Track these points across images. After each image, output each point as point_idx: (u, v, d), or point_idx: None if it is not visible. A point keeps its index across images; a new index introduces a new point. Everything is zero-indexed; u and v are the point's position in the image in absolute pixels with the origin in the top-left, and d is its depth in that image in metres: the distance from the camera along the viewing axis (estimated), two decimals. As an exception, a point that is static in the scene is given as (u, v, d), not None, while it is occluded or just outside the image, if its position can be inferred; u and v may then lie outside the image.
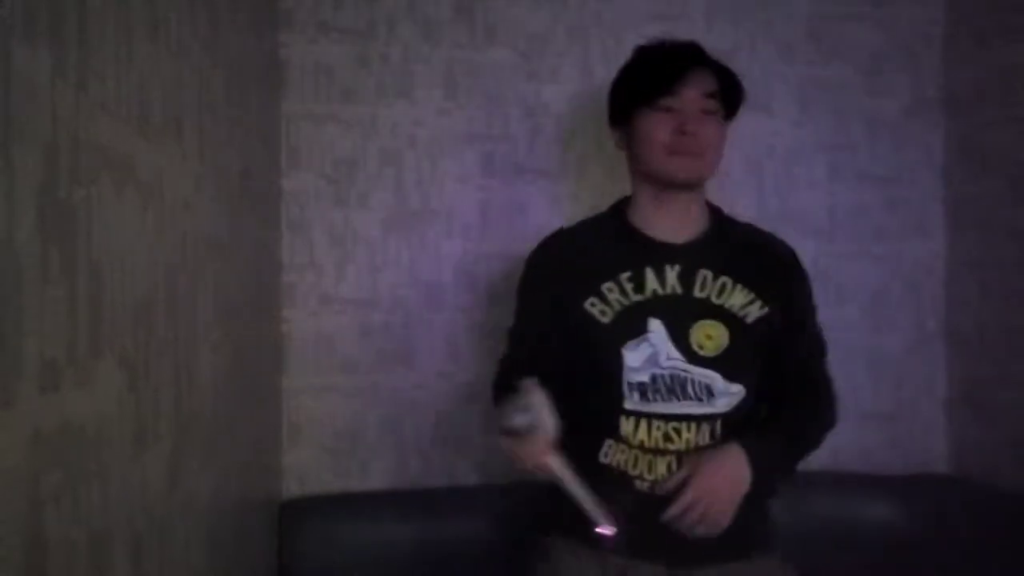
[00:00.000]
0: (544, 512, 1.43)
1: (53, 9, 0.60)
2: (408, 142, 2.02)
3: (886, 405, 2.20)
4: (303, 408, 1.97)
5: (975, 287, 2.13)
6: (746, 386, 1.36)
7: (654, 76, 1.37)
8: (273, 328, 1.85)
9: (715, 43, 2.12)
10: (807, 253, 2.17)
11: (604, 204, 2.07)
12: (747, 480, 1.28)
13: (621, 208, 1.49)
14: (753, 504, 1.32)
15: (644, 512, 1.29)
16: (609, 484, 1.30)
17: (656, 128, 1.35)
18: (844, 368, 2.18)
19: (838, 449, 2.15)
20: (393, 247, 2.01)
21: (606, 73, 2.11)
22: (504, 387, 1.34)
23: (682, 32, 2.11)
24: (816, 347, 1.48)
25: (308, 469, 1.96)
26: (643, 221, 1.42)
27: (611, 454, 1.34)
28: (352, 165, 1.99)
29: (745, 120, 2.15)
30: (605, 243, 1.43)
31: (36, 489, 0.57)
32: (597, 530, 1.22)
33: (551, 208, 2.06)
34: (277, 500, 1.89)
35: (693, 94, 1.35)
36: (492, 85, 2.05)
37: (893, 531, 1.96)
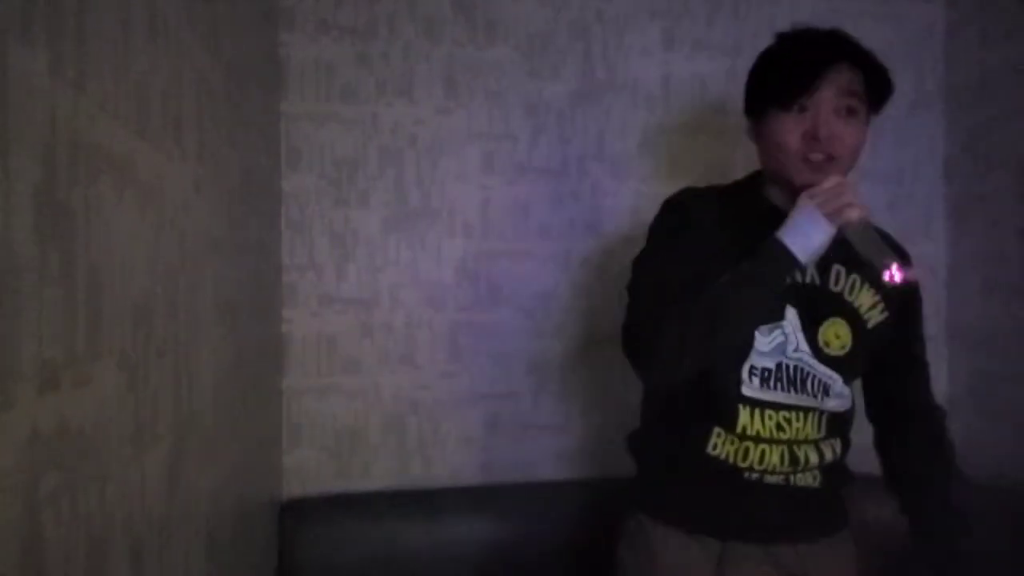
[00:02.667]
0: (639, 497, 1.41)
1: (51, 8, 0.60)
2: (409, 141, 2.01)
3: (889, 404, 2.20)
4: (304, 408, 1.97)
5: (978, 284, 2.13)
6: (853, 391, 1.37)
7: (788, 74, 1.27)
8: (273, 328, 1.85)
9: (717, 40, 2.14)
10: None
11: (607, 204, 2.08)
12: None
13: (758, 183, 1.39)
14: (837, 487, 1.38)
15: (749, 499, 1.31)
16: (715, 477, 1.30)
17: (786, 132, 1.26)
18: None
19: (840, 448, 2.15)
20: (394, 247, 2.01)
21: (607, 71, 2.12)
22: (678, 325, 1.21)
23: (682, 30, 2.13)
24: (927, 369, 1.48)
25: (309, 469, 1.96)
26: (781, 203, 1.32)
27: (720, 445, 1.30)
28: (353, 164, 1.99)
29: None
30: (745, 215, 1.32)
31: (34, 491, 0.57)
32: (892, 271, 1.17)
33: (552, 207, 2.06)
34: (278, 501, 1.89)
35: (829, 94, 1.25)
36: (493, 83, 2.05)
37: (896, 528, 1.95)
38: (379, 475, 1.99)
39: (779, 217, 1.26)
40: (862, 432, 2.27)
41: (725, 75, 2.13)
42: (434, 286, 2.02)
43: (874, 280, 1.34)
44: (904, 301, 1.40)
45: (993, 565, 1.84)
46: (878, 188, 2.21)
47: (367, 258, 2.00)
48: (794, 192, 1.27)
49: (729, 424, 1.29)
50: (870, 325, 1.34)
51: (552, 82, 2.07)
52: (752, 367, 1.29)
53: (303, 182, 1.97)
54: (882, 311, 1.35)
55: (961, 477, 1.43)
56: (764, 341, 1.29)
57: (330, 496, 1.92)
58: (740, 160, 2.15)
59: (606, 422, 2.07)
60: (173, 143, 0.94)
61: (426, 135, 2.02)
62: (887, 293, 1.35)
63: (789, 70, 1.27)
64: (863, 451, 2.17)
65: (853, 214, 1.19)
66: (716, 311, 1.21)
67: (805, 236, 1.21)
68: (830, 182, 1.22)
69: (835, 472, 1.37)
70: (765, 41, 2.21)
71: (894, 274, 1.18)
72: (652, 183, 2.08)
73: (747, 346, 1.29)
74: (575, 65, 2.09)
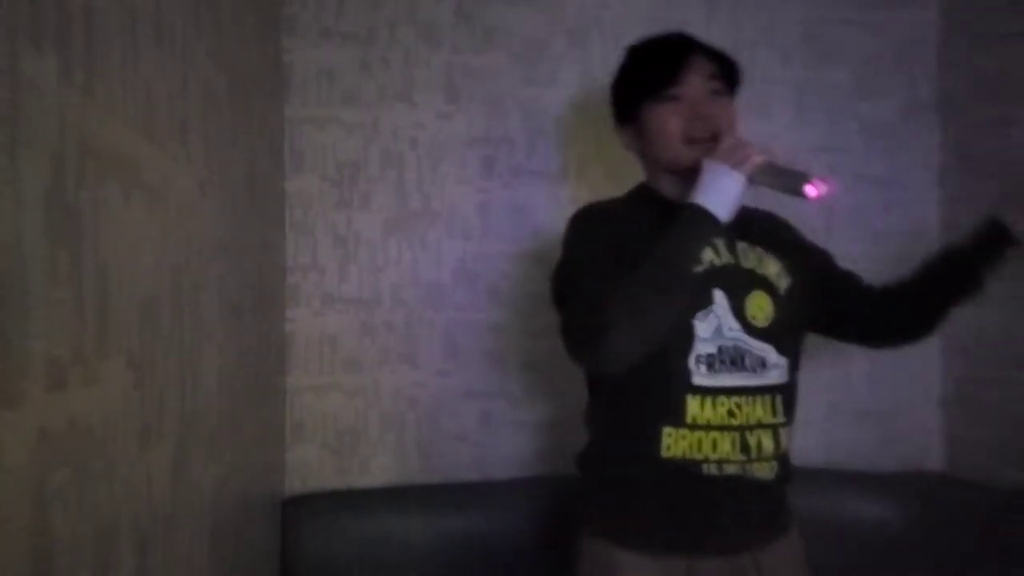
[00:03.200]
0: (598, 521, 1.38)
1: (60, 14, 0.61)
2: (409, 144, 2.03)
3: (881, 404, 2.21)
4: (306, 406, 1.98)
5: (970, 288, 2.14)
6: (789, 359, 1.38)
7: (657, 68, 1.38)
8: (277, 328, 1.87)
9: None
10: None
11: (604, 206, 2.10)
12: None
13: (649, 190, 1.44)
14: (786, 481, 1.38)
15: (709, 498, 1.30)
16: (674, 481, 1.30)
17: (669, 118, 1.35)
18: (840, 367, 2.21)
19: (833, 446, 2.16)
20: (395, 248, 2.03)
21: (605, 76, 2.12)
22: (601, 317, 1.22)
23: (681, 36, 2.14)
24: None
25: (310, 466, 1.98)
26: (678, 198, 1.34)
27: (672, 445, 1.29)
28: (354, 167, 2.01)
29: (742, 122, 2.17)
30: (651, 216, 1.34)
31: (43, 487, 0.58)
32: (810, 186, 1.22)
33: (550, 209, 2.08)
34: (280, 497, 1.90)
35: (697, 79, 1.36)
36: (492, 88, 2.07)
37: (887, 528, 1.97)
38: (378, 472, 2.00)
39: (677, 208, 1.30)
40: (850, 430, 2.27)
41: (723, 79, 2.15)
42: (433, 286, 2.04)
43: (772, 250, 1.40)
44: (804, 257, 1.46)
45: (982, 564, 1.85)
46: (872, 192, 2.22)
47: (368, 259, 2.02)
48: (684, 177, 1.33)
49: (678, 417, 1.29)
50: (782, 291, 1.39)
51: (550, 88, 2.09)
52: (698, 355, 1.31)
53: (306, 184, 1.99)
54: (787, 276, 1.40)
55: None
56: (703, 327, 1.31)
57: (330, 492, 1.93)
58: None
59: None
60: (179, 146, 0.95)
61: (426, 139, 2.04)
62: (786, 260, 1.41)
63: (657, 64, 1.39)
64: (857, 449, 2.19)
65: (757, 159, 1.25)
66: (655, 277, 1.24)
67: (718, 191, 1.26)
68: (725, 142, 1.28)
69: (786, 463, 1.38)
70: (763, 48, 2.24)
71: (817, 186, 1.22)
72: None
73: (689, 335, 1.31)
74: (572, 71, 2.10)
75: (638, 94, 1.40)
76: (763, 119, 2.16)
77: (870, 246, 2.22)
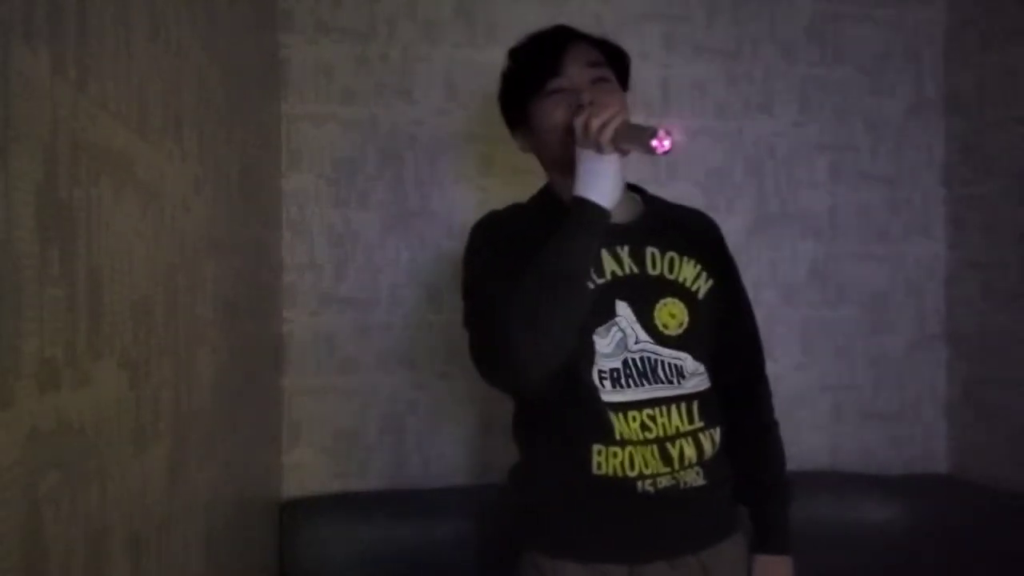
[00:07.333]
0: (533, 534, 1.33)
1: (52, 8, 0.60)
2: (408, 142, 2.02)
3: (887, 405, 2.20)
4: (303, 408, 1.97)
5: (976, 288, 2.13)
6: (707, 364, 1.33)
7: (537, 62, 1.34)
8: (273, 328, 1.85)
9: (716, 43, 2.15)
10: (808, 253, 2.19)
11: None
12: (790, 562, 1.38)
13: (549, 194, 1.40)
14: (722, 484, 1.34)
15: (647, 514, 1.26)
16: (608, 496, 1.25)
17: (553, 111, 1.29)
18: (845, 368, 2.20)
19: (839, 449, 2.16)
20: (393, 247, 2.01)
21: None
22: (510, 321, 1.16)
23: (683, 33, 2.14)
24: (752, 318, 1.46)
25: (308, 469, 1.96)
26: (569, 197, 1.27)
27: (604, 463, 1.25)
28: (352, 165, 1.99)
29: (746, 120, 2.16)
30: (548, 222, 1.25)
31: (35, 489, 0.57)
32: (655, 141, 1.14)
33: (551, 208, 2.06)
34: (277, 500, 1.89)
35: (577, 68, 1.31)
36: (491, 85, 2.05)
37: (893, 530, 1.96)
38: (376, 475, 1.99)
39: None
40: (856, 433, 2.26)
41: (724, 79, 2.14)
42: (432, 287, 2.02)
43: (691, 251, 1.34)
44: (724, 262, 1.40)
45: (989, 566, 1.84)
46: (877, 191, 2.21)
47: (366, 258, 2.00)
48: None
49: (607, 435, 1.25)
50: (701, 296, 1.33)
51: (551, 84, 2.07)
52: (600, 371, 1.26)
53: (303, 182, 1.97)
54: (707, 279, 1.34)
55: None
56: (604, 343, 1.26)
57: (328, 496, 1.92)
58: (740, 163, 2.15)
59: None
60: (173, 143, 0.94)
61: (425, 136, 2.02)
62: (706, 262, 1.35)
63: (537, 59, 1.34)
64: (862, 451, 2.18)
65: (613, 125, 1.18)
66: (545, 283, 1.17)
67: (593, 176, 1.20)
68: (578, 124, 1.21)
69: (717, 466, 1.32)
70: (765, 45, 2.23)
71: (661, 139, 1.15)
72: (652, 187, 2.08)
73: (590, 351, 1.26)
74: (574, 67, 2.09)
75: (523, 92, 1.35)
76: (767, 117, 2.15)
77: (875, 244, 2.22)
